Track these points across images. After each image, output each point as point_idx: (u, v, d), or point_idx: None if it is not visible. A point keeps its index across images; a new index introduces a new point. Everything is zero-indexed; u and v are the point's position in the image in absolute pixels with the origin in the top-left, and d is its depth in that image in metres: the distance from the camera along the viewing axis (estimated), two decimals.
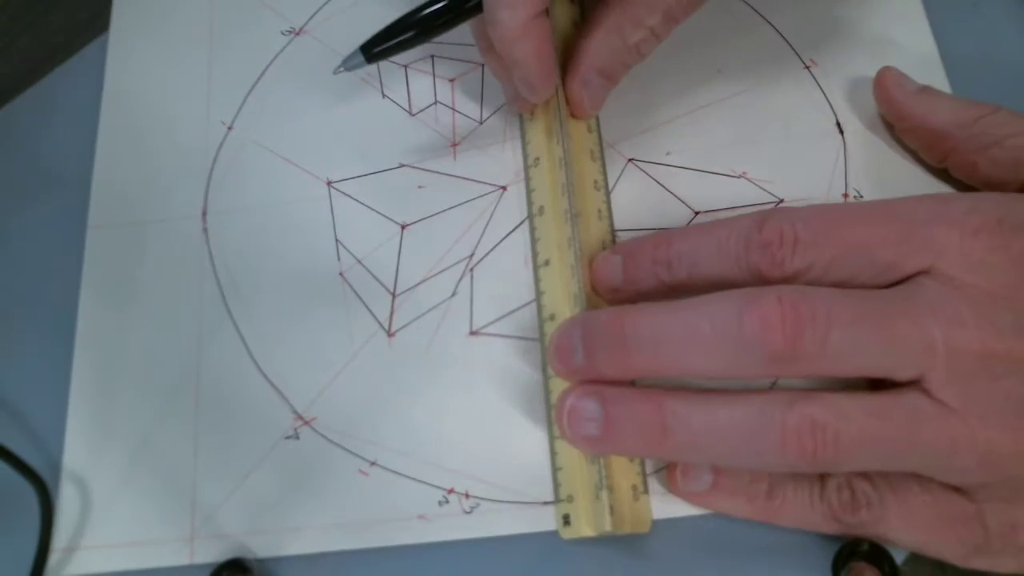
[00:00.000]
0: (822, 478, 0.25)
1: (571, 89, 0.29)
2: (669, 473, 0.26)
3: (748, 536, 0.26)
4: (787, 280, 0.24)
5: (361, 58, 0.28)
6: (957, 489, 0.24)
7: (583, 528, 0.26)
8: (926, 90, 0.29)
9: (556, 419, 0.25)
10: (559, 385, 0.26)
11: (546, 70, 0.28)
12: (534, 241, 0.30)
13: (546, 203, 0.30)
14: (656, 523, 0.26)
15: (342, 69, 0.29)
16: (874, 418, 0.22)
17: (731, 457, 0.24)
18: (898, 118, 0.30)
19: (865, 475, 0.25)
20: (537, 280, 0.29)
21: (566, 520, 0.26)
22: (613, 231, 0.30)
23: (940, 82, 0.31)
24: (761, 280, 0.24)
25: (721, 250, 0.25)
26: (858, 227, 0.24)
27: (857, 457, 0.22)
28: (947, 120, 0.28)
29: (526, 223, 0.31)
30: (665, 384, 0.26)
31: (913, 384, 0.23)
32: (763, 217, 0.24)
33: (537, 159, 0.30)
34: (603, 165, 0.31)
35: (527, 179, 0.31)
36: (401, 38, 0.28)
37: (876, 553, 0.24)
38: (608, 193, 0.31)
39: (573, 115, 0.30)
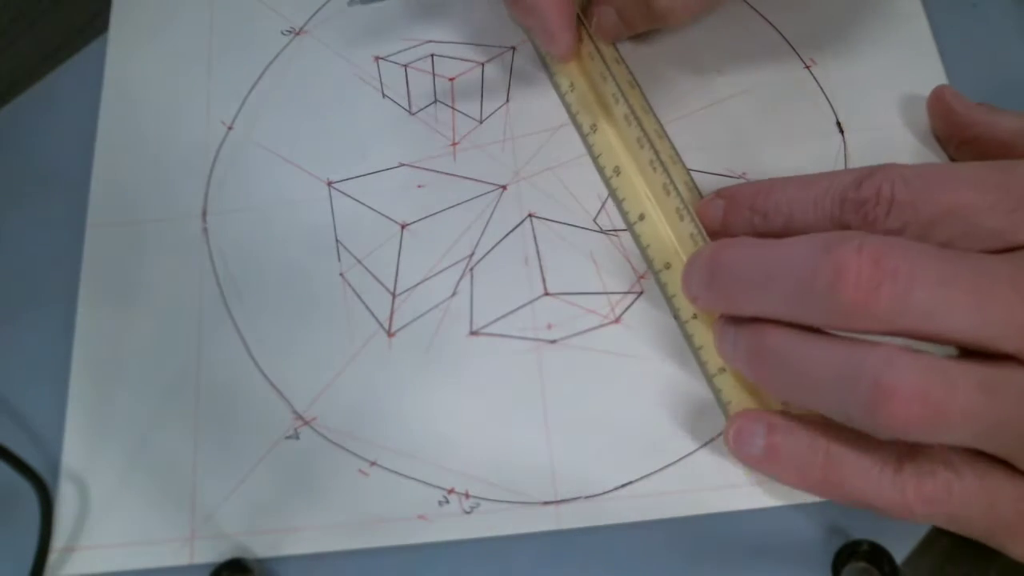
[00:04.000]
0: (899, 458, 0.23)
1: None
2: (725, 434, 0.26)
3: (748, 536, 0.26)
4: None
5: None
6: None
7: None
8: (984, 104, 0.29)
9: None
10: (696, 328, 0.27)
11: (565, 19, 0.28)
12: (619, 202, 0.30)
13: (621, 162, 0.30)
14: (655, 523, 0.26)
15: (357, 2, 0.28)
16: (983, 392, 0.20)
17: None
18: (959, 130, 0.29)
19: (942, 456, 0.23)
20: (637, 236, 0.29)
21: None
22: (689, 173, 0.30)
23: (940, 82, 0.31)
24: None
25: (817, 205, 0.24)
26: (962, 190, 0.22)
27: (955, 432, 0.21)
28: (1013, 130, 0.27)
29: (526, 222, 0.31)
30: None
31: (1015, 360, 0.21)
32: (865, 173, 0.24)
33: (594, 125, 0.31)
34: (655, 116, 0.31)
35: (588, 147, 0.31)
36: None
37: (876, 553, 0.24)
38: (671, 140, 0.31)
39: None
